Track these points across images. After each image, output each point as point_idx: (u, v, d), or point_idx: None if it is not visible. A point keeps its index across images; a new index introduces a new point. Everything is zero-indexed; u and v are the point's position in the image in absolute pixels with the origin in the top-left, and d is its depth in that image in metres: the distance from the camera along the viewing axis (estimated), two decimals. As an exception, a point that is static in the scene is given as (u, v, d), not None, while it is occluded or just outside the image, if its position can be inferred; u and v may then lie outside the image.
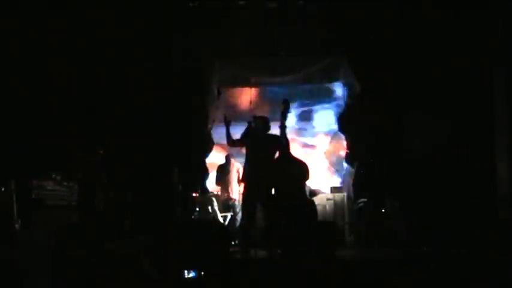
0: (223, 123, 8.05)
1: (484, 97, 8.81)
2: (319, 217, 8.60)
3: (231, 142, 7.93)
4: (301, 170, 7.82)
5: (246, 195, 7.69)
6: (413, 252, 7.55)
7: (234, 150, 9.29)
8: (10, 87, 8.56)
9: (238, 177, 9.39)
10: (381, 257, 7.26)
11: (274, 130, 7.72)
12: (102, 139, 8.70)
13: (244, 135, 7.94)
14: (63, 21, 8.82)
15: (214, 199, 9.28)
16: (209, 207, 9.12)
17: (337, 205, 9.28)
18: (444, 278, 4.72)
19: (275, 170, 7.73)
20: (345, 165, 9.99)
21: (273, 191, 7.81)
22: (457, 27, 8.85)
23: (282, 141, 7.62)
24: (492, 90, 8.77)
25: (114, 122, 9.18)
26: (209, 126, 10.10)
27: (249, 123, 7.88)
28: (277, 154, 7.74)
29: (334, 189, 9.58)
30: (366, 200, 8.55)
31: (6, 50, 8.44)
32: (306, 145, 11.13)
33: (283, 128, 7.64)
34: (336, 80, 10.25)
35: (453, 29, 8.89)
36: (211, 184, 10.03)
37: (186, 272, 5.62)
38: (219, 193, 9.64)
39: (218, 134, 9.78)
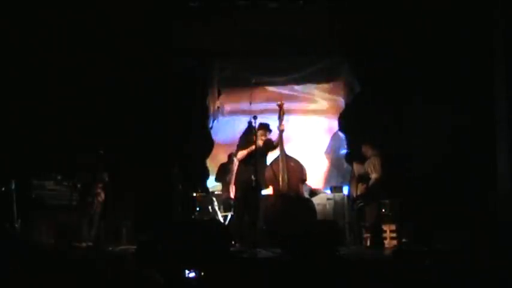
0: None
1: (485, 95, 8.81)
2: (320, 216, 8.64)
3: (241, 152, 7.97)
4: (298, 170, 7.89)
5: (237, 194, 7.79)
6: (413, 252, 7.55)
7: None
8: (11, 87, 8.57)
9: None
10: (381, 256, 7.26)
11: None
12: (102, 139, 8.71)
13: (245, 135, 8.00)
14: (63, 21, 8.84)
15: (214, 199, 9.27)
16: (209, 207, 9.10)
17: (337, 205, 9.28)
18: (442, 279, 4.73)
19: (271, 171, 7.80)
20: (345, 164, 9.99)
21: (271, 191, 7.88)
22: (458, 25, 8.84)
23: (277, 144, 7.74)
24: (492, 89, 8.77)
25: (115, 122, 9.19)
26: (209, 125, 10.12)
27: (249, 122, 7.91)
28: (274, 154, 7.83)
29: (334, 189, 9.59)
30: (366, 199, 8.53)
31: (7, 50, 8.45)
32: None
33: (281, 131, 7.74)
34: (337, 79, 10.26)
35: (454, 26, 8.88)
36: (211, 184, 10.04)
37: (186, 271, 5.61)
38: (220, 193, 9.64)
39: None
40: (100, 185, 8.21)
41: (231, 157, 9.76)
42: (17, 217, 7.27)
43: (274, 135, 8.04)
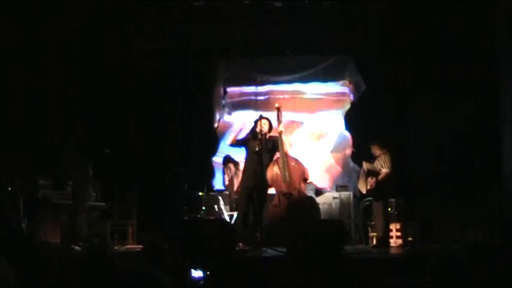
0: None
1: (490, 94, 8.78)
2: (326, 216, 8.63)
3: (234, 141, 8.18)
4: (299, 169, 7.90)
5: (242, 194, 7.79)
6: (419, 251, 7.53)
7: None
8: (14, 87, 8.59)
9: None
10: (385, 255, 7.25)
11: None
12: (108, 139, 8.73)
13: (249, 135, 8.01)
14: (64, 21, 8.85)
15: (220, 198, 9.26)
16: (215, 207, 9.10)
17: (343, 204, 9.27)
18: (447, 278, 4.69)
19: (272, 171, 7.81)
20: (351, 163, 9.97)
21: (273, 191, 7.89)
22: (462, 23, 8.81)
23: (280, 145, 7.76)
24: (498, 87, 8.74)
25: (120, 121, 9.21)
26: (215, 125, 10.12)
27: (256, 122, 7.92)
28: (276, 155, 7.84)
29: (340, 188, 9.58)
30: (371, 198, 8.52)
31: (8, 50, 8.46)
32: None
33: (280, 133, 7.76)
34: (342, 78, 10.25)
35: (458, 24, 8.85)
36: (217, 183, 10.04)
37: (192, 271, 5.62)
38: (226, 192, 9.64)
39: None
40: (95, 187, 8.19)
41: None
42: (23, 217, 7.29)
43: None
